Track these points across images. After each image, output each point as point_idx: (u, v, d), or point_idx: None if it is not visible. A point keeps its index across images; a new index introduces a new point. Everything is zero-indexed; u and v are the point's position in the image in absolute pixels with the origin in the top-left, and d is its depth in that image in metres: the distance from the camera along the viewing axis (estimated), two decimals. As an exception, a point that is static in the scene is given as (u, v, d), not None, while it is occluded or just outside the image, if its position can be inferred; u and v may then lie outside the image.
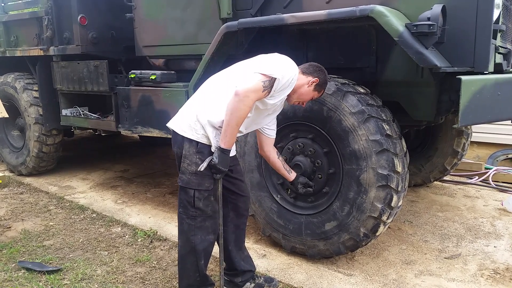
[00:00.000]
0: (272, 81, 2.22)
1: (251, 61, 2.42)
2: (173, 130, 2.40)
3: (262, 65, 2.29)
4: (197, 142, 2.29)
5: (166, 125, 2.47)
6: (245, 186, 2.67)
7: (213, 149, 2.30)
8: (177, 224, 2.49)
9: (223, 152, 2.26)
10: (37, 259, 3.25)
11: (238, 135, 2.36)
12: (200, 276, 2.46)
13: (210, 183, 2.33)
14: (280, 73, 2.24)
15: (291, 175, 2.86)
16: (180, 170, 2.35)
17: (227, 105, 2.21)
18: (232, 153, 2.44)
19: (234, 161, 2.55)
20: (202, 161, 2.27)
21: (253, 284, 2.71)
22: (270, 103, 2.33)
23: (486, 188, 4.84)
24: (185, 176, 2.32)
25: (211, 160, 2.27)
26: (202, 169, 2.26)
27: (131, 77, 4.07)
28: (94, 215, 4.17)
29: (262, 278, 2.78)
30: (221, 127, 2.26)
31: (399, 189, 2.74)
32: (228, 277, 2.70)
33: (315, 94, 2.51)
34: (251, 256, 2.79)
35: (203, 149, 2.30)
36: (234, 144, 2.46)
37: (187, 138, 2.30)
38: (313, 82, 2.44)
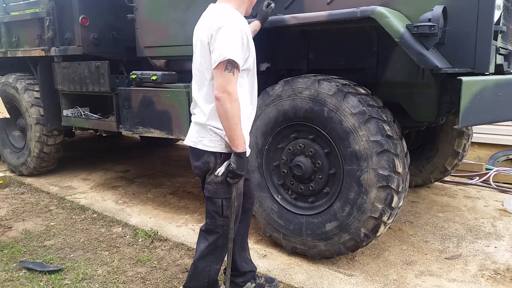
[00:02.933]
0: (231, 62, 2.09)
1: (201, 44, 2.22)
2: (194, 147, 2.31)
3: (213, 53, 2.12)
4: (221, 153, 2.25)
5: (184, 142, 2.40)
6: (252, 186, 2.65)
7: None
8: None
9: (239, 155, 2.18)
10: (38, 259, 3.26)
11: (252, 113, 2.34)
12: (208, 283, 2.45)
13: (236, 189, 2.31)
14: (229, 50, 2.08)
15: None
16: (206, 181, 2.30)
17: (217, 113, 2.14)
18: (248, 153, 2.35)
19: None
20: (225, 168, 2.23)
21: (254, 284, 2.72)
22: (248, 65, 2.24)
23: (487, 188, 4.84)
24: (211, 186, 2.28)
25: (228, 165, 2.21)
26: (220, 174, 2.23)
27: (132, 77, 4.08)
28: (95, 215, 4.17)
29: (263, 278, 2.79)
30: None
31: (399, 190, 2.74)
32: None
33: None
34: (252, 256, 2.80)
35: (226, 158, 2.25)
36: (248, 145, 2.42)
37: (211, 152, 2.25)
38: None
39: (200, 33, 2.24)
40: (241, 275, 2.69)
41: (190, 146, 2.36)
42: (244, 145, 2.20)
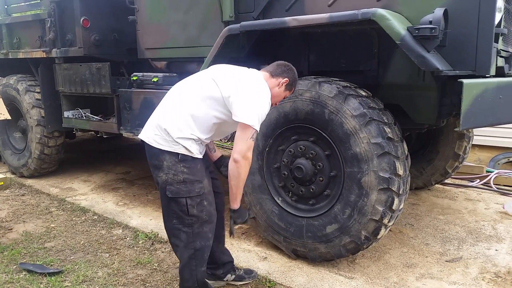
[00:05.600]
0: (256, 131, 2.24)
1: (219, 77, 2.34)
2: (147, 143, 2.36)
3: (240, 109, 2.22)
4: (177, 153, 2.28)
5: (138, 137, 2.44)
6: (219, 183, 2.69)
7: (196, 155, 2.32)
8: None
9: (238, 211, 2.45)
10: (38, 261, 3.25)
11: (205, 140, 2.38)
12: (198, 287, 2.47)
13: (200, 187, 2.32)
14: (257, 120, 2.22)
15: (214, 155, 2.70)
16: (166, 182, 2.29)
17: (230, 171, 2.30)
18: (203, 154, 2.42)
19: (208, 161, 2.61)
20: (187, 168, 2.28)
21: (233, 276, 2.82)
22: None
23: (488, 191, 4.83)
24: (173, 187, 2.29)
25: (234, 222, 2.48)
26: (234, 232, 2.55)
27: (133, 79, 4.08)
28: (96, 217, 4.17)
29: (242, 270, 2.89)
30: (194, 136, 2.27)
31: (400, 192, 2.74)
32: (209, 270, 2.75)
33: (287, 93, 2.55)
34: (252, 258, 2.80)
35: (185, 157, 2.28)
36: (206, 146, 2.46)
37: (165, 150, 2.28)
38: (283, 83, 2.47)
39: (220, 77, 2.34)
40: (220, 266, 2.79)
41: (143, 142, 2.39)
42: (239, 202, 2.43)
